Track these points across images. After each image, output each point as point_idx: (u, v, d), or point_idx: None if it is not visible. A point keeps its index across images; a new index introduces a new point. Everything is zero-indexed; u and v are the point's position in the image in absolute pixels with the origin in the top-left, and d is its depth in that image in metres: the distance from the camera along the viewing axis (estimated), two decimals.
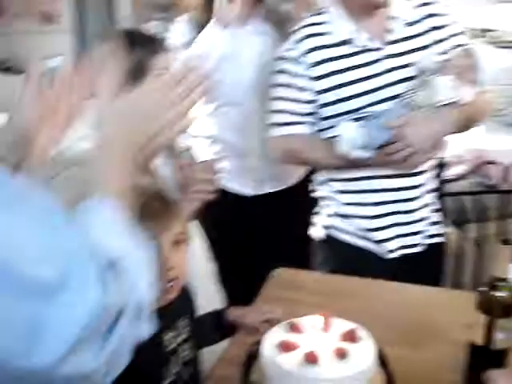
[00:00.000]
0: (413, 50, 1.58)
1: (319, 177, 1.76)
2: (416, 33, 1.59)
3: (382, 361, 1.15)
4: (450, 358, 1.21)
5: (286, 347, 1.11)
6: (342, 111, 1.58)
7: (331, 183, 1.70)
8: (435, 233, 1.73)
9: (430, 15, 1.60)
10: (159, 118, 0.81)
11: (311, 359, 1.06)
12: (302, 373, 1.04)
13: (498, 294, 1.06)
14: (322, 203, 1.76)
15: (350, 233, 1.70)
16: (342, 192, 1.69)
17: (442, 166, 1.82)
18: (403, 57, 1.57)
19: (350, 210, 1.68)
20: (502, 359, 1.09)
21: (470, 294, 1.16)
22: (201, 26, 1.90)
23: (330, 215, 1.73)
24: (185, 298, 1.32)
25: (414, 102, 1.50)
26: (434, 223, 1.72)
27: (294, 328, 1.17)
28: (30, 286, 0.57)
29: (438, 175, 1.79)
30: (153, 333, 0.82)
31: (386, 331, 1.30)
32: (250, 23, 1.91)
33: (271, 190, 2.02)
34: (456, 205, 2.48)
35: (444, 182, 2.03)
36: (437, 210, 1.74)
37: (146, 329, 0.72)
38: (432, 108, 1.48)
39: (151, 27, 2.33)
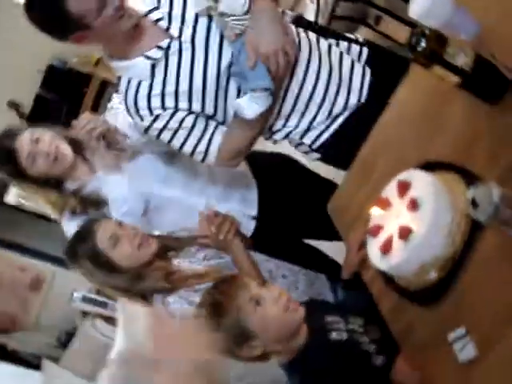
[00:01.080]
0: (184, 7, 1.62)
1: (264, 138, 1.83)
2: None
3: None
4: None
5: (385, 248, 1.21)
6: (212, 97, 1.64)
7: (274, 128, 1.76)
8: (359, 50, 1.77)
9: None
10: None
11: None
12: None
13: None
14: (291, 144, 1.84)
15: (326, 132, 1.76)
16: (285, 127, 1.75)
17: (302, 20, 1.83)
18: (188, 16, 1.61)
19: (304, 125, 1.74)
20: None
21: None
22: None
23: (300, 144, 1.80)
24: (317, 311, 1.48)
25: (233, 27, 1.54)
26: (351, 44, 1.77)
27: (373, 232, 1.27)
28: None
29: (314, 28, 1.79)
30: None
31: None
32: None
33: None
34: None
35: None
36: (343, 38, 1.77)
37: None
38: (245, 16, 1.52)
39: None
